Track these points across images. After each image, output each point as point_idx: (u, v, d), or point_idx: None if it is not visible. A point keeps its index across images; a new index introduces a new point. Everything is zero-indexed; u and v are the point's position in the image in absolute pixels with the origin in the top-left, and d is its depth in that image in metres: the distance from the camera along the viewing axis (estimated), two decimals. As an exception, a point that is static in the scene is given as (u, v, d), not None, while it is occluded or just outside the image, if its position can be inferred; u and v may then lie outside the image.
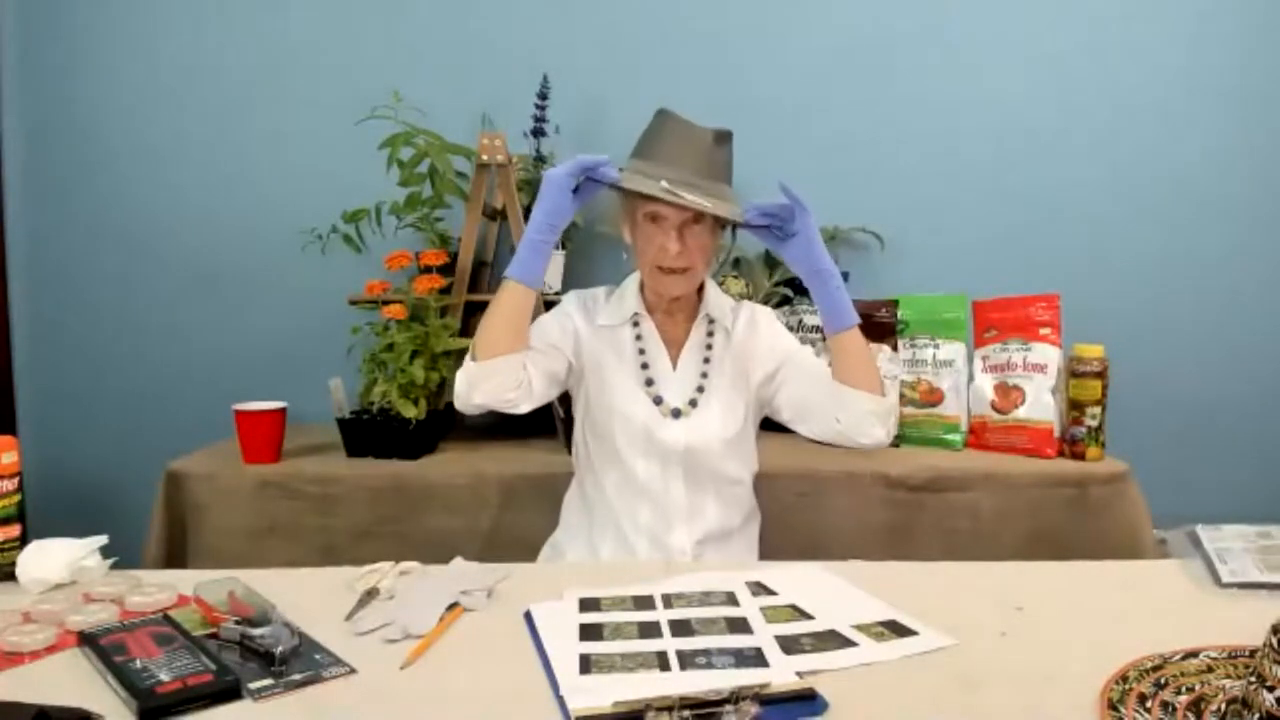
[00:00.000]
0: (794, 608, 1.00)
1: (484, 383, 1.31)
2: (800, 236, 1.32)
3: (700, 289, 1.47)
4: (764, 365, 1.45)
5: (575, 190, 1.30)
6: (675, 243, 1.34)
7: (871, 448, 1.39)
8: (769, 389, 1.45)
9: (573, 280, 2.13)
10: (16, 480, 1.12)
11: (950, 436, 1.94)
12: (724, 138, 1.36)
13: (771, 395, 1.45)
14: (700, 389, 1.43)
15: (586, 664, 0.85)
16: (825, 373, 1.40)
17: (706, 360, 1.44)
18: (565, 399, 1.81)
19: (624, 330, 1.45)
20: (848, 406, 1.35)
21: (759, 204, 1.32)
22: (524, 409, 1.37)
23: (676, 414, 1.41)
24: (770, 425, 1.52)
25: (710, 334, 1.46)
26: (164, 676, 0.79)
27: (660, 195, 1.28)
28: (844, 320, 1.34)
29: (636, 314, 1.45)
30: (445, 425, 2.08)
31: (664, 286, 1.40)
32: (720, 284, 2.00)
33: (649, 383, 1.43)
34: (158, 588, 1.03)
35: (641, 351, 1.44)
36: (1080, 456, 1.82)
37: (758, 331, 1.47)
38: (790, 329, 2.10)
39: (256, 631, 0.87)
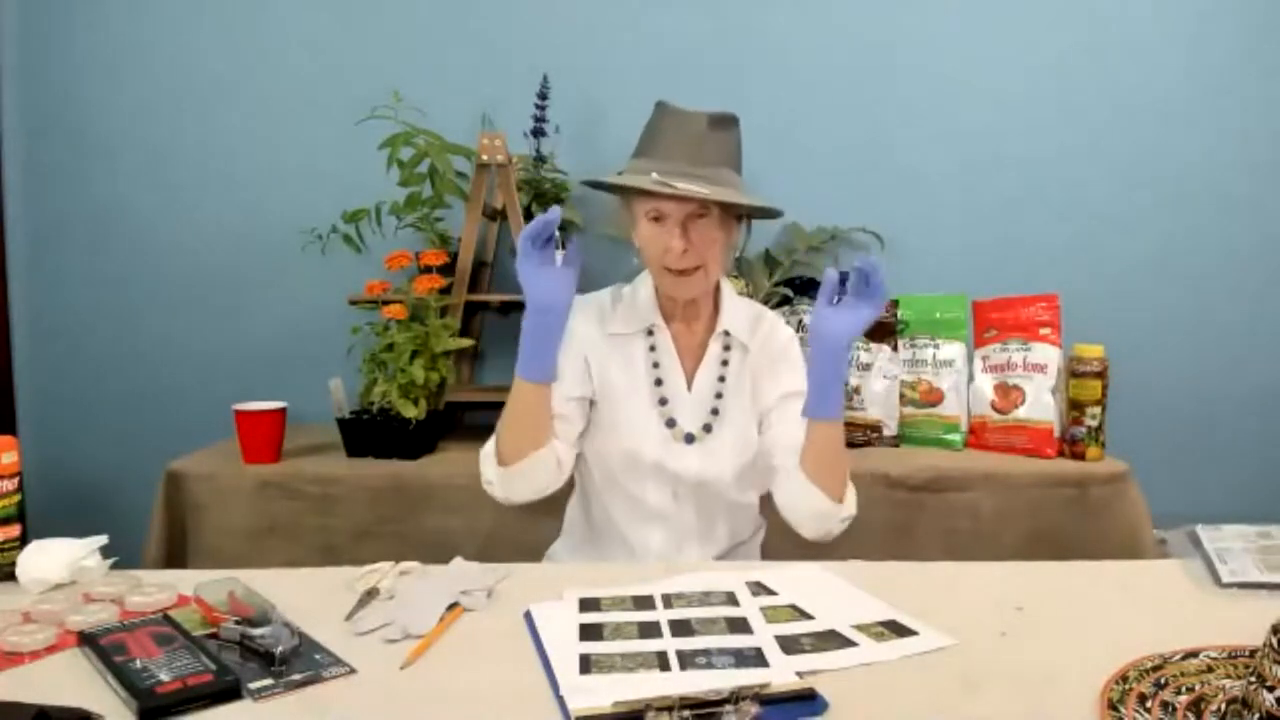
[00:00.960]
0: (794, 608, 1.00)
1: (516, 484, 1.27)
2: (859, 313, 1.16)
3: (718, 293, 1.38)
4: (768, 393, 1.35)
5: (558, 249, 1.21)
6: (679, 240, 1.24)
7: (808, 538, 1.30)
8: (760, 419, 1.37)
9: (573, 280, 2.13)
10: (16, 480, 1.12)
11: (950, 436, 1.94)
12: (722, 122, 1.27)
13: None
14: (715, 411, 1.34)
15: (586, 664, 0.85)
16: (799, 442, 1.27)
17: (722, 379, 1.36)
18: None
19: (637, 340, 1.36)
20: (800, 496, 1.25)
21: (865, 264, 1.14)
22: (562, 484, 1.32)
23: (690, 439, 1.33)
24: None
25: (728, 348, 1.37)
26: (164, 676, 0.79)
27: (650, 188, 1.21)
28: (833, 410, 1.21)
29: (653, 324, 1.35)
30: (445, 425, 2.08)
31: (674, 289, 1.31)
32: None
33: (662, 402, 1.34)
34: (158, 588, 1.03)
35: (655, 365, 1.35)
36: (1080, 456, 1.82)
37: (772, 350, 1.37)
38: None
39: (256, 631, 0.87)
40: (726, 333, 1.36)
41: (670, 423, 1.33)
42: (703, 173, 1.23)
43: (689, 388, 1.35)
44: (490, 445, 1.30)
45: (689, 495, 1.34)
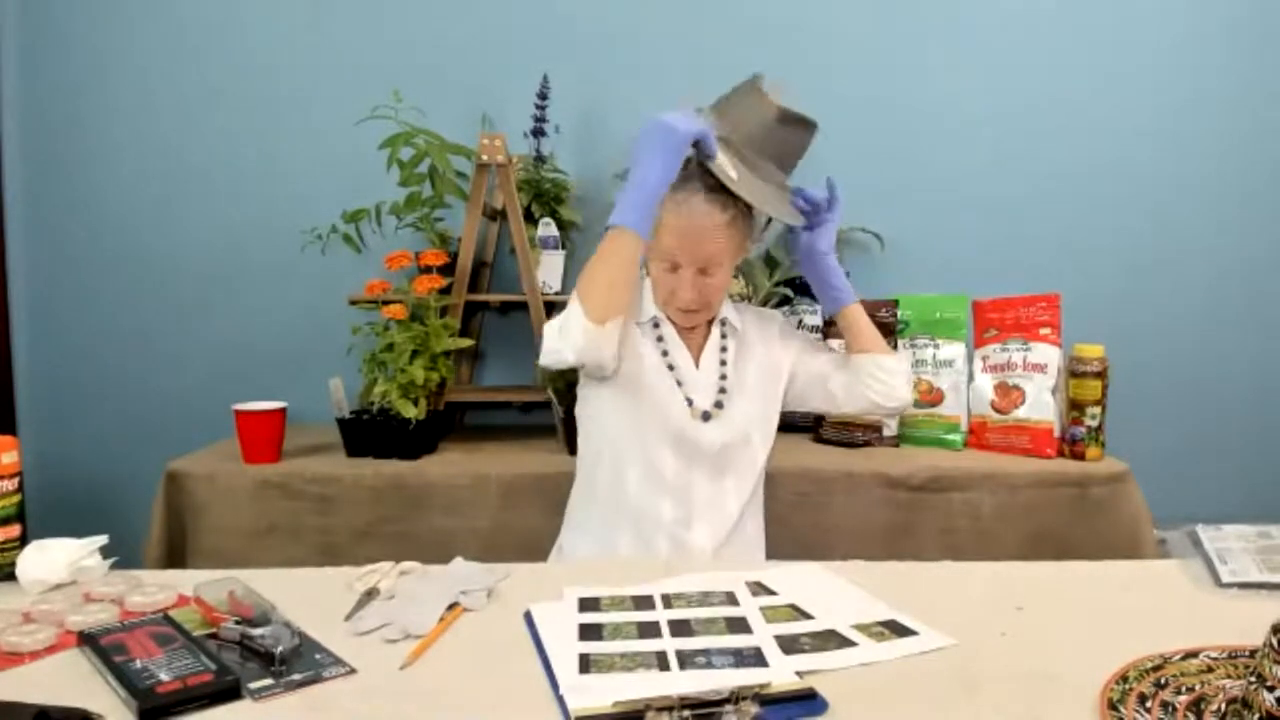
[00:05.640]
0: (794, 608, 1.00)
1: (601, 346, 1.25)
2: (829, 225, 1.46)
3: None
4: (787, 350, 1.52)
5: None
6: (690, 291, 1.37)
7: (898, 410, 1.56)
8: (794, 383, 1.52)
9: (572, 280, 2.12)
10: (16, 480, 1.12)
11: (950, 436, 1.94)
12: (794, 121, 1.41)
13: (800, 387, 1.53)
14: (723, 389, 1.44)
15: (586, 664, 0.85)
16: (838, 355, 1.54)
17: (724, 361, 1.47)
18: (564, 398, 1.81)
19: (646, 329, 1.45)
20: (874, 371, 1.47)
21: (805, 191, 1.43)
22: (611, 370, 1.35)
23: (706, 417, 1.41)
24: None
25: (725, 335, 1.49)
26: (164, 676, 0.79)
27: (730, 187, 1.30)
28: (849, 296, 1.49)
29: (657, 317, 1.45)
30: (445, 425, 2.08)
31: (678, 320, 1.44)
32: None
33: (678, 384, 1.43)
34: (158, 588, 1.03)
35: (665, 354, 1.44)
36: (1080, 456, 1.82)
37: (769, 328, 1.53)
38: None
39: (257, 631, 0.87)
40: (724, 320, 1.49)
41: (688, 401, 1.42)
42: (758, 176, 1.37)
43: (696, 367, 1.46)
44: (573, 311, 1.25)
45: (703, 465, 1.40)
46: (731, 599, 1.02)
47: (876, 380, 1.47)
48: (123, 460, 2.23)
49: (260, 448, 1.80)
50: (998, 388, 1.93)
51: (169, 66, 2.21)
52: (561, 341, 1.26)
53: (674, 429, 1.39)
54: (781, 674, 0.82)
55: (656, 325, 1.45)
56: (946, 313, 2.01)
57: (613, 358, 1.31)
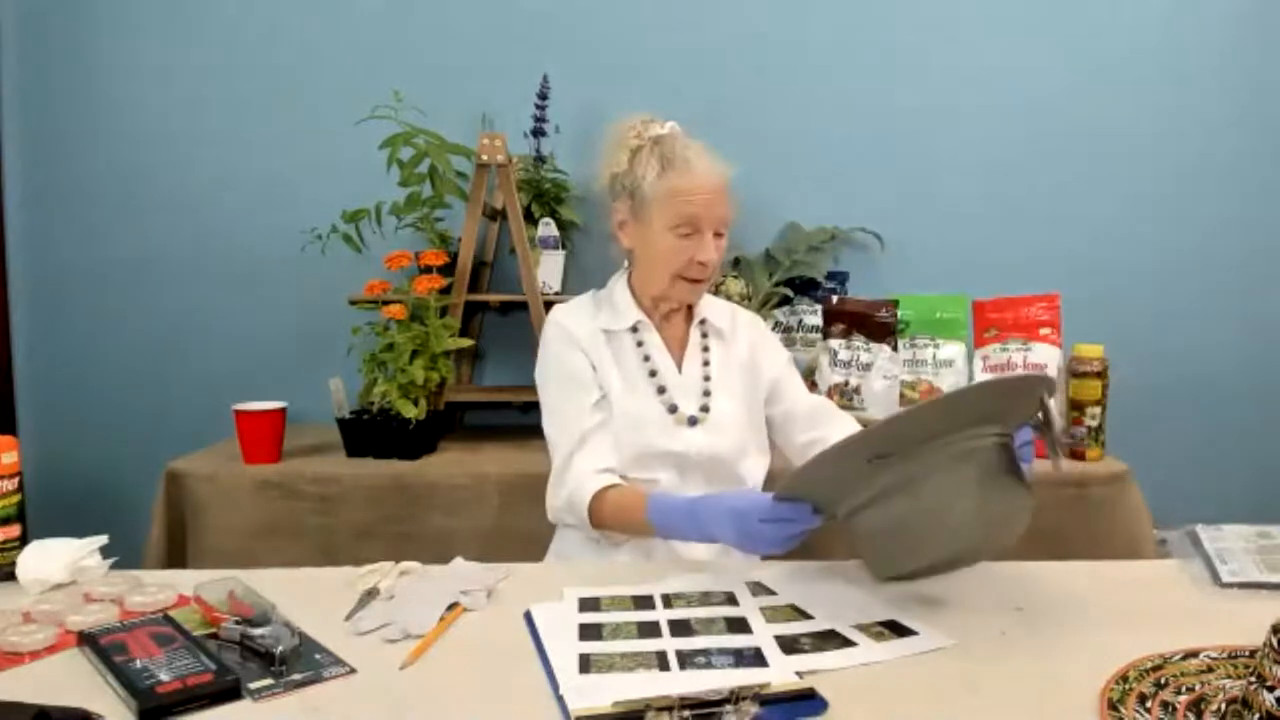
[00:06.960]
0: (794, 607, 1.00)
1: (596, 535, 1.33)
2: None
3: None
4: (771, 363, 1.48)
5: None
6: (715, 252, 1.35)
7: None
8: (767, 404, 1.48)
9: (572, 280, 2.13)
10: (16, 480, 1.12)
11: (950, 436, 1.93)
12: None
13: (771, 413, 1.48)
14: (707, 392, 1.41)
15: (586, 664, 0.85)
16: (820, 410, 1.48)
17: (707, 363, 1.43)
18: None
19: (625, 336, 1.42)
20: None
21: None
22: None
23: (693, 422, 1.38)
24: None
25: (705, 335, 1.46)
26: (164, 676, 0.79)
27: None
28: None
29: (637, 321, 1.41)
30: (445, 425, 2.08)
31: (688, 295, 1.40)
32: (720, 284, 2.00)
33: (660, 391, 1.40)
34: (158, 587, 1.03)
35: (646, 359, 1.41)
36: (1080, 456, 1.82)
37: (755, 333, 1.50)
38: (790, 329, 2.11)
39: (257, 631, 0.87)
40: (704, 321, 1.46)
41: (672, 408, 1.39)
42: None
43: (680, 372, 1.43)
44: (579, 511, 1.31)
45: (696, 474, 1.38)
46: (731, 599, 1.02)
47: None
48: (123, 460, 2.23)
49: (260, 448, 1.80)
50: (998, 388, 1.93)
51: (168, 66, 2.21)
52: (560, 514, 1.36)
53: (661, 446, 1.37)
54: (781, 674, 0.82)
55: (635, 330, 1.42)
56: (946, 313, 2.01)
57: None
